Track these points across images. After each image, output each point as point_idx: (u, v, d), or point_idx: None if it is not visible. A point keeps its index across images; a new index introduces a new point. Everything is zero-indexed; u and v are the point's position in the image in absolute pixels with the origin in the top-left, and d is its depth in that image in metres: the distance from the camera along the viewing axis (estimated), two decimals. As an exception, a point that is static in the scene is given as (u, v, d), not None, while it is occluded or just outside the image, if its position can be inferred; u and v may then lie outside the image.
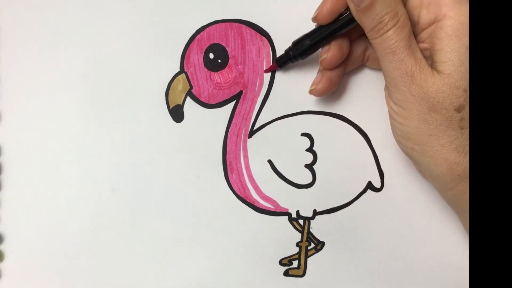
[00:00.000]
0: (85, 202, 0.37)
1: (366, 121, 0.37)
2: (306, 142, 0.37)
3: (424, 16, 0.30)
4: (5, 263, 0.37)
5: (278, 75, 0.37)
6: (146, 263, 0.37)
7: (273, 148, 0.37)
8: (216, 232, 0.37)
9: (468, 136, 0.29)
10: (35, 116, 0.37)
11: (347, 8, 0.32)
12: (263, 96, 0.37)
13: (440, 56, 0.29)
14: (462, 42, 0.29)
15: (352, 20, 0.32)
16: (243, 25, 0.37)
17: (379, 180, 0.37)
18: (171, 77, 0.37)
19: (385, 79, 0.31)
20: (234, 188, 0.37)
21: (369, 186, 0.37)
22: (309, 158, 0.37)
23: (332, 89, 0.35)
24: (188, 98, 0.37)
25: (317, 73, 0.35)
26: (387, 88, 0.32)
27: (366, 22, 0.30)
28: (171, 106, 0.37)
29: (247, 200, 0.37)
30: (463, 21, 0.29)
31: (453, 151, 0.29)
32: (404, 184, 0.37)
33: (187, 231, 0.37)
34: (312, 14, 0.35)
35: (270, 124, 0.37)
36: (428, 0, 0.30)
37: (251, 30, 0.37)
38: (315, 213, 0.37)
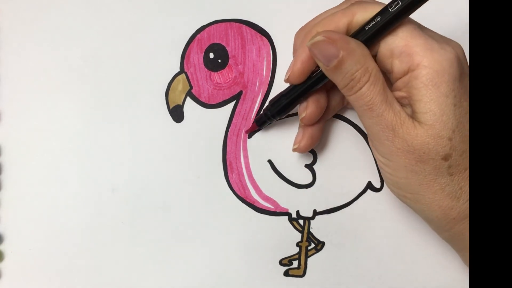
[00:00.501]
0: (85, 202, 0.37)
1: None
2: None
3: (397, 66, 0.29)
4: (5, 263, 0.37)
5: (278, 75, 0.37)
6: (146, 263, 0.37)
7: (273, 148, 0.37)
8: (216, 232, 0.37)
9: (459, 182, 0.29)
10: (35, 116, 0.37)
11: (318, 66, 0.31)
12: (263, 96, 0.37)
13: (420, 106, 0.29)
14: (440, 91, 0.28)
15: (324, 76, 0.31)
16: (243, 25, 0.37)
17: (379, 180, 0.37)
18: (171, 77, 0.37)
19: (367, 133, 0.31)
20: (234, 188, 0.37)
21: (369, 186, 0.37)
22: (309, 158, 0.37)
23: (316, 144, 0.35)
24: (188, 98, 0.37)
25: (298, 129, 0.35)
26: (370, 141, 0.31)
27: (337, 80, 0.30)
28: (171, 106, 0.37)
29: (247, 200, 0.37)
30: (437, 69, 0.28)
31: (446, 197, 0.29)
32: (404, 184, 0.37)
33: (187, 231, 0.37)
34: (312, 13, 0.35)
35: (270, 124, 0.37)
36: (399, 50, 0.29)
37: (251, 30, 0.37)
38: (315, 213, 0.37)
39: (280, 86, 0.37)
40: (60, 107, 0.37)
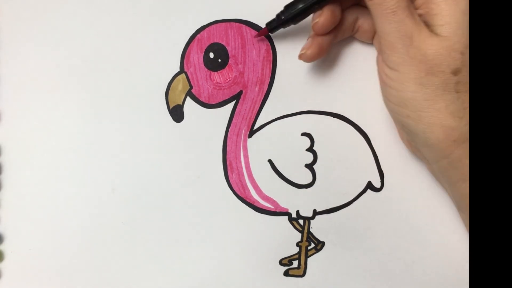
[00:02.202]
0: (85, 202, 0.37)
1: (366, 121, 0.37)
2: (306, 142, 0.37)
3: None
4: (5, 263, 0.37)
5: (278, 75, 0.37)
6: (146, 263, 0.37)
7: (273, 148, 0.37)
8: (216, 232, 0.37)
9: (463, 100, 0.29)
10: (35, 116, 0.37)
11: None
12: (263, 96, 0.37)
13: (437, 19, 0.29)
14: (459, 7, 0.29)
15: None
16: (243, 25, 0.37)
17: (379, 180, 0.37)
18: (171, 77, 0.37)
19: (381, 42, 0.31)
20: (234, 188, 0.37)
21: (369, 186, 0.37)
22: (309, 158, 0.37)
23: (322, 56, 0.35)
24: (188, 98, 0.37)
25: (308, 38, 0.35)
26: (382, 52, 0.31)
27: None
28: (171, 106, 0.37)
29: (247, 200, 0.37)
30: None
31: (449, 116, 0.29)
32: (404, 184, 0.37)
33: (187, 231, 0.37)
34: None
35: (270, 124, 0.37)
36: None
37: (251, 30, 0.37)
38: (315, 213, 0.37)
39: (280, 86, 0.37)
40: (60, 107, 0.37)
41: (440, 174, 0.33)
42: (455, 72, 0.29)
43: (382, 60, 0.32)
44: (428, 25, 0.30)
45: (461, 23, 0.29)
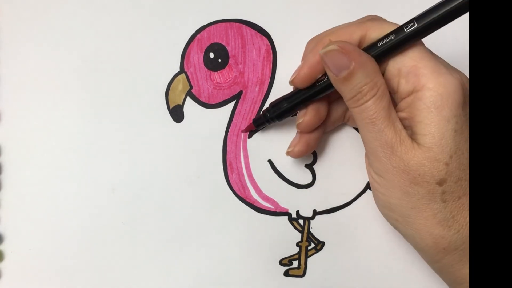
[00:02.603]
0: (85, 202, 0.37)
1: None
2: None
3: (403, 86, 0.29)
4: (5, 263, 0.37)
5: (278, 75, 0.37)
6: (146, 263, 0.37)
7: (273, 148, 0.37)
8: (216, 232, 0.37)
9: (451, 209, 0.29)
10: (35, 116, 0.37)
11: (325, 74, 0.31)
12: (263, 96, 0.37)
13: (420, 128, 0.29)
14: (441, 115, 0.28)
15: (330, 86, 0.31)
16: (243, 25, 0.37)
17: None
18: (171, 77, 0.37)
19: (365, 148, 0.31)
20: (234, 188, 0.37)
21: (369, 186, 0.37)
22: (309, 158, 0.37)
23: (310, 151, 0.35)
24: (188, 98, 0.37)
25: (296, 134, 0.35)
26: (367, 156, 0.31)
27: (344, 91, 0.30)
28: (171, 106, 0.37)
29: (247, 200, 0.37)
30: (442, 93, 0.28)
31: (437, 225, 0.29)
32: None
33: (187, 231, 0.37)
34: (312, 13, 0.35)
35: (270, 124, 0.37)
36: (407, 70, 0.29)
37: (251, 29, 0.37)
38: (315, 213, 0.37)
39: (280, 86, 0.37)
40: (60, 107, 0.37)
41: (436, 273, 0.32)
42: (440, 183, 0.28)
43: (368, 163, 0.31)
44: (411, 131, 0.29)
45: (444, 132, 0.28)
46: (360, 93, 0.29)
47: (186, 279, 0.37)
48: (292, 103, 0.33)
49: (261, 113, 0.36)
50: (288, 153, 0.35)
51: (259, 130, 0.37)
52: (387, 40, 0.29)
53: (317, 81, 0.32)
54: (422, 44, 0.30)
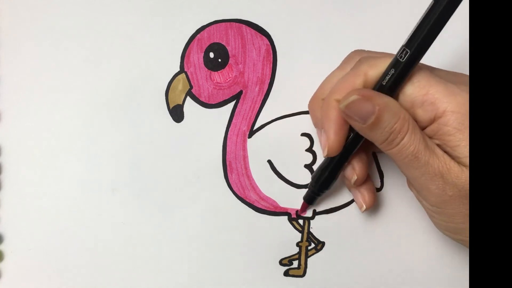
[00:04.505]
0: (85, 202, 0.37)
1: (366, 121, 0.37)
2: (306, 142, 0.37)
3: (422, 115, 0.29)
4: (5, 263, 0.37)
5: (278, 75, 0.37)
6: (146, 263, 0.37)
7: (273, 148, 0.37)
8: (216, 232, 0.37)
9: None
10: (35, 116, 0.37)
11: (351, 129, 0.31)
12: (263, 96, 0.37)
13: (461, 151, 0.28)
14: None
15: (360, 137, 0.31)
16: (243, 25, 0.37)
17: (379, 180, 0.37)
18: (171, 77, 0.37)
19: (413, 185, 0.30)
20: (234, 188, 0.37)
21: (369, 186, 0.37)
22: (309, 158, 0.37)
23: (376, 196, 0.35)
24: (188, 98, 0.37)
25: (352, 190, 0.35)
26: (419, 193, 0.30)
27: (375, 136, 0.29)
28: (171, 106, 0.37)
29: (247, 200, 0.37)
30: (465, 112, 0.28)
31: None
32: (404, 184, 0.37)
33: (187, 231, 0.37)
34: (312, 13, 0.35)
35: (270, 124, 0.37)
36: (420, 100, 0.29)
37: (251, 30, 0.37)
38: (315, 213, 0.37)
39: (280, 86, 0.37)
40: (60, 107, 0.37)
41: None
42: None
43: (420, 197, 0.31)
44: (450, 155, 0.29)
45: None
46: (393, 133, 0.28)
47: (186, 278, 0.37)
48: (331, 169, 0.33)
49: (308, 189, 0.36)
50: (365, 210, 0.35)
51: (316, 197, 0.36)
52: (389, 76, 0.29)
53: (347, 139, 0.31)
54: (423, 66, 0.29)
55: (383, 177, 0.37)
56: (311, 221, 0.37)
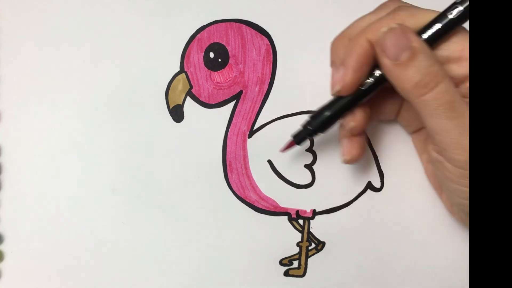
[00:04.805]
0: (85, 202, 0.37)
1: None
2: (306, 142, 0.37)
3: (457, 71, 0.28)
4: (5, 263, 0.37)
5: (278, 75, 0.37)
6: (146, 263, 0.37)
7: (273, 148, 0.37)
8: (216, 232, 0.37)
9: None
10: (35, 116, 0.37)
11: (371, 75, 0.29)
12: (263, 96, 0.37)
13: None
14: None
15: (380, 81, 0.29)
16: (243, 25, 0.37)
17: (379, 180, 0.37)
18: (171, 77, 0.37)
19: (439, 142, 0.28)
20: (234, 188, 0.37)
21: (369, 186, 0.37)
22: (309, 158, 0.37)
23: (364, 153, 0.33)
24: (188, 98, 0.37)
25: (341, 139, 0.33)
26: (443, 152, 0.28)
27: (408, 77, 0.27)
28: (171, 106, 0.37)
29: (247, 200, 0.37)
30: None
31: None
32: (404, 184, 0.37)
33: (187, 231, 0.37)
34: (312, 13, 0.35)
35: (270, 124, 0.37)
36: (457, 55, 0.27)
37: (251, 29, 0.37)
38: (315, 213, 0.37)
39: (280, 85, 0.37)
40: (60, 107, 0.37)
41: None
42: None
43: (445, 160, 0.28)
44: None
45: None
46: (429, 75, 0.26)
47: (186, 279, 0.37)
48: (335, 111, 0.31)
49: (301, 126, 0.33)
50: (346, 161, 0.33)
51: (306, 138, 0.34)
52: (433, 30, 0.27)
53: (361, 84, 0.30)
54: (463, 27, 0.28)
55: (383, 177, 0.37)
56: (311, 221, 0.37)
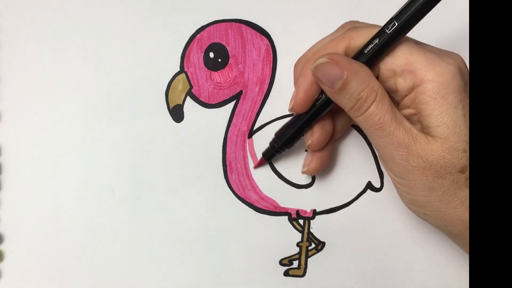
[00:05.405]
0: (85, 202, 0.37)
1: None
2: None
3: (401, 84, 0.29)
4: (5, 263, 0.37)
5: (278, 75, 0.37)
6: (146, 263, 0.37)
7: (273, 148, 0.37)
8: (216, 232, 0.37)
9: None
10: (35, 116, 0.37)
11: (322, 92, 0.31)
12: (263, 96, 0.37)
13: (432, 121, 0.28)
14: (448, 103, 0.28)
15: (329, 102, 0.31)
16: (243, 25, 0.37)
17: (379, 180, 0.37)
18: (171, 77, 0.37)
19: (379, 154, 0.31)
20: (234, 188, 0.37)
21: (369, 186, 0.37)
22: (309, 158, 0.37)
23: (325, 166, 0.35)
24: (188, 98, 0.37)
25: (307, 152, 0.35)
26: (383, 162, 0.31)
27: (343, 102, 0.30)
28: (171, 106, 0.37)
29: (247, 200, 0.37)
30: (442, 81, 0.28)
31: (467, 211, 0.29)
32: (404, 184, 0.37)
33: (187, 231, 0.37)
34: (312, 13, 0.35)
35: (270, 124, 0.37)
36: (401, 69, 0.29)
37: (251, 30, 0.37)
38: (315, 213, 0.37)
39: (280, 86, 0.37)
40: (60, 107, 0.37)
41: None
42: (463, 170, 0.28)
43: (386, 168, 0.31)
44: (421, 126, 0.29)
45: (456, 119, 0.28)
46: (360, 100, 0.29)
47: (186, 279, 0.37)
48: (295, 128, 0.33)
49: (268, 144, 0.35)
50: (303, 172, 0.35)
51: (275, 154, 0.36)
52: (372, 45, 0.29)
53: (316, 100, 0.32)
54: (408, 38, 0.30)
55: (383, 177, 0.37)
56: (311, 221, 0.37)
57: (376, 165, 0.37)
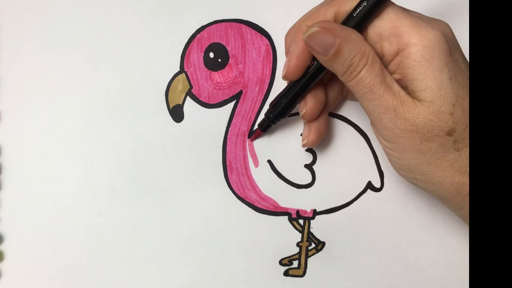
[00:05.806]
0: (85, 202, 0.37)
1: (366, 121, 0.37)
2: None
3: (387, 48, 0.30)
4: (5, 263, 0.37)
5: (278, 75, 0.37)
6: (146, 263, 0.37)
7: (273, 148, 0.37)
8: (216, 232, 0.37)
9: (467, 156, 0.29)
10: (35, 116, 0.37)
11: (314, 59, 0.32)
12: (263, 96, 0.37)
13: (417, 85, 0.29)
14: (433, 66, 0.28)
15: (321, 69, 0.32)
16: (243, 25, 0.37)
17: (379, 180, 0.37)
18: (171, 77, 0.37)
19: (370, 118, 0.31)
20: (234, 188, 0.37)
21: (369, 186, 0.37)
22: (309, 158, 0.37)
23: (323, 136, 0.35)
24: (188, 98, 0.37)
25: (304, 125, 0.35)
26: (373, 126, 0.31)
27: (336, 68, 0.30)
28: (171, 106, 0.37)
29: (247, 200, 0.37)
30: (427, 45, 0.28)
31: (456, 173, 0.29)
32: (404, 184, 0.37)
33: (187, 231, 0.37)
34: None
35: (276, 124, 0.37)
36: (387, 33, 0.29)
37: (251, 30, 0.37)
38: (315, 213, 0.37)
39: (280, 85, 0.37)
40: (60, 107, 0.37)
41: (461, 219, 0.32)
42: (450, 133, 0.29)
43: (376, 131, 0.32)
44: (408, 90, 0.30)
45: (441, 83, 0.28)
46: (352, 66, 0.29)
47: (186, 279, 0.37)
48: (289, 97, 0.33)
49: (264, 116, 0.36)
50: (304, 145, 0.35)
51: (265, 134, 0.37)
52: (361, 8, 0.30)
53: (308, 68, 0.32)
54: (394, 4, 0.30)
55: (383, 177, 0.37)
56: (311, 221, 0.37)
57: (376, 165, 0.37)
